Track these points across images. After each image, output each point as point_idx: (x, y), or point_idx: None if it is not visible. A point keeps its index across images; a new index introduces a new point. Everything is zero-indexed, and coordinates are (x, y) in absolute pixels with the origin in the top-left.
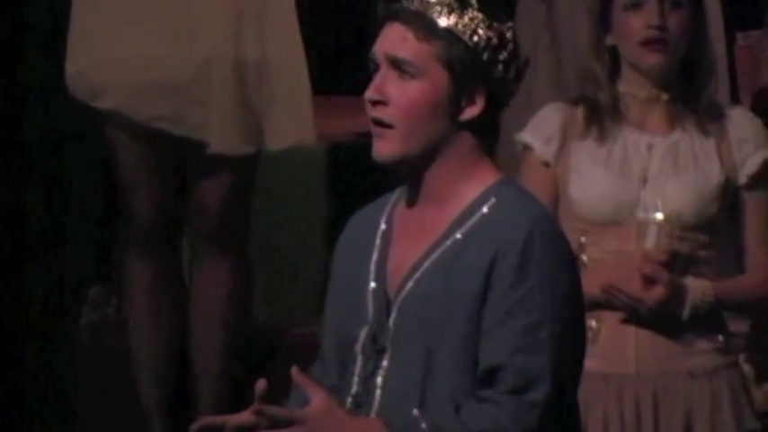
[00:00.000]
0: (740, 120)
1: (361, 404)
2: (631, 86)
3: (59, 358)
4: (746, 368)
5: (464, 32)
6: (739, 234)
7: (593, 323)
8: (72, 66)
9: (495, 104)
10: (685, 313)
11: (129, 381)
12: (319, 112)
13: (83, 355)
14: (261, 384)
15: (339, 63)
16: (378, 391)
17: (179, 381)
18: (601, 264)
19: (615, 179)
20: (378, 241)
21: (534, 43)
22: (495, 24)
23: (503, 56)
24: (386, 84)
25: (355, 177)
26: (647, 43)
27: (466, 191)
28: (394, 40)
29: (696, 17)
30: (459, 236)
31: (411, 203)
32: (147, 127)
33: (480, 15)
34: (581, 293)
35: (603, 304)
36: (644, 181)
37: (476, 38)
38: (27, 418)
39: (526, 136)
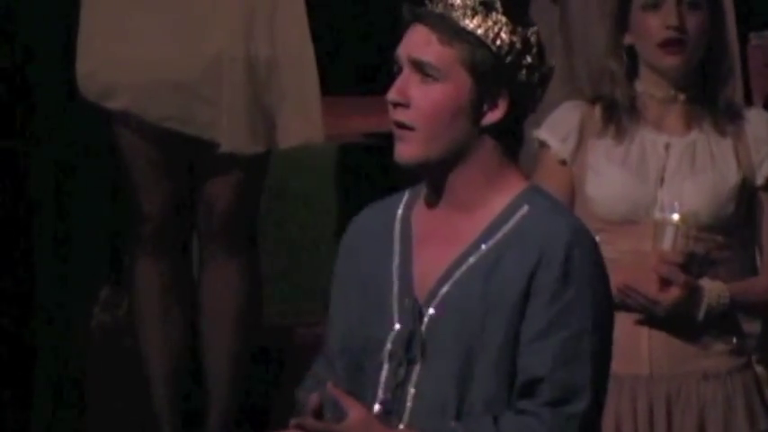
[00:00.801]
0: (757, 121)
1: (390, 411)
2: (649, 86)
3: (71, 359)
4: (759, 369)
5: (488, 36)
6: (755, 235)
7: None
8: (82, 67)
9: (519, 109)
10: (700, 315)
11: (141, 381)
12: (329, 113)
13: (94, 356)
14: (314, 398)
15: (350, 64)
16: (409, 399)
17: (190, 381)
18: (616, 263)
19: (632, 178)
20: (397, 244)
21: (547, 45)
22: (520, 29)
23: (526, 60)
24: (408, 86)
25: (365, 178)
26: (664, 44)
27: (495, 198)
28: (418, 42)
29: (714, 18)
30: (494, 243)
31: (432, 207)
32: (157, 127)
33: (504, 19)
34: (613, 304)
35: (617, 305)
36: (661, 180)
37: (499, 42)
38: (38, 418)
39: (543, 133)
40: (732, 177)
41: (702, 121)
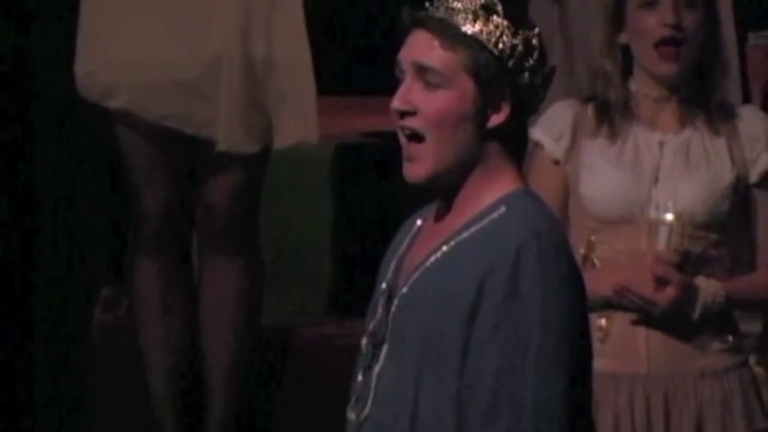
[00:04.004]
0: (751, 118)
1: (359, 397)
2: (643, 86)
3: (71, 358)
4: (758, 369)
5: (490, 40)
6: (750, 232)
7: (604, 322)
8: (81, 67)
9: (522, 111)
10: (696, 313)
11: (141, 381)
12: (326, 113)
13: (95, 356)
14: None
15: (349, 63)
16: (373, 385)
17: (191, 382)
18: (611, 263)
19: (627, 177)
20: (407, 241)
21: (547, 45)
22: (521, 31)
23: (529, 63)
24: (412, 93)
25: (363, 178)
26: (661, 44)
27: (482, 197)
28: (421, 47)
29: (710, 17)
30: (462, 239)
31: (439, 207)
32: (156, 126)
33: (505, 22)
34: (580, 311)
35: (614, 304)
36: (655, 179)
37: (501, 45)
38: (39, 417)
39: (536, 133)
40: (726, 175)
41: (696, 119)
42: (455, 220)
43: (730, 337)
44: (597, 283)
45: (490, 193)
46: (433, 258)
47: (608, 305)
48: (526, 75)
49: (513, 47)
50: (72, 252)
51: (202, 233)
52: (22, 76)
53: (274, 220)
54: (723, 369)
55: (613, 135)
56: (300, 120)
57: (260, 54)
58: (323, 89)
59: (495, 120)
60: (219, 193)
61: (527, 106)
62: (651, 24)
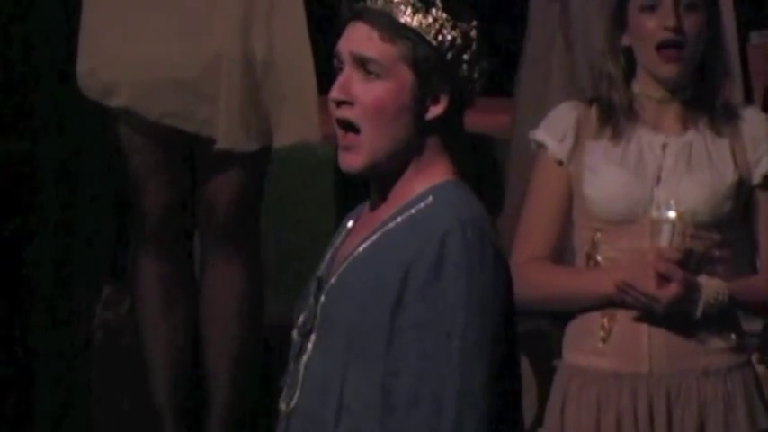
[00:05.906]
0: (754, 120)
1: (289, 387)
2: (646, 87)
3: (73, 357)
4: (760, 368)
5: (429, 32)
6: (752, 234)
7: (606, 321)
8: (83, 65)
9: (460, 104)
10: (698, 312)
11: (143, 380)
12: (329, 112)
13: (96, 355)
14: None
15: None
16: (301, 375)
17: (192, 381)
18: (614, 262)
19: (630, 178)
20: (343, 234)
21: (548, 45)
22: (460, 24)
23: (467, 56)
24: (351, 83)
25: (365, 177)
26: (662, 47)
27: (412, 187)
28: (359, 39)
29: (711, 19)
30: (387, 230)
31: (373, 199)
32: (157, 124)
33: (444, 15)
34: (504, 298)
35: (616, 302)
36: (658, 180)
37: (440, 38)
38: (41, 416)
39: (540, 134)
40: (729, 176)
41: (699, 121)
42: (386, 210)
43: (733, 336)
44: (599, 281)
45: (421, 183)
46: (361, 249)
47: (610, 303)
48: (464, 67)
49: (453, 40)
50: (73, 251)
51: (203, 232)
52: (23, 75)
53: (276, 219)
54: (726, 368)
55: (617, 137)
56: (302, 119)
57: (260, 53)
58: (324, 89)
59: (434, 112)
60: (220, 192)
61: (465, 99)
62: (652, 27)
